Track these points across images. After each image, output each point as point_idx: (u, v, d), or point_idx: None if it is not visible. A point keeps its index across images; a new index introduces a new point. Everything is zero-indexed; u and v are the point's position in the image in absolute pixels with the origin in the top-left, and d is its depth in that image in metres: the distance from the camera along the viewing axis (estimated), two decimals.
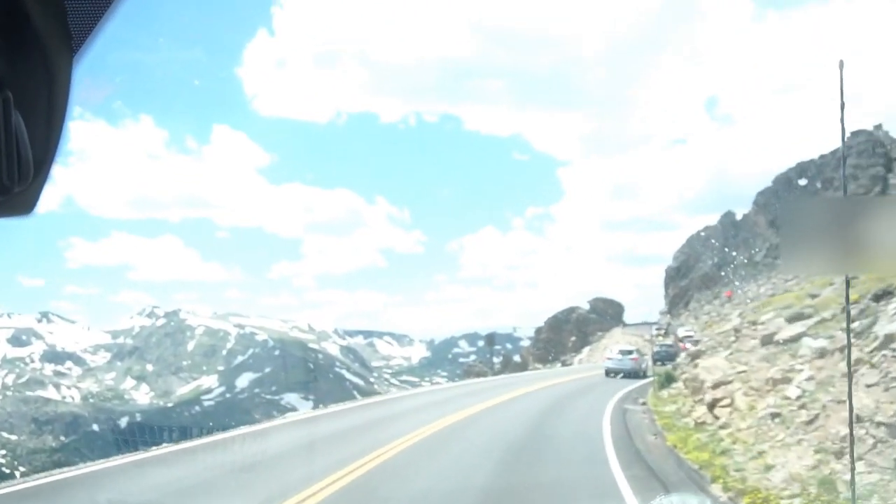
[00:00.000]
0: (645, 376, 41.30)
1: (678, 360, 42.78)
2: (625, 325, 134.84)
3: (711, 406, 16.37)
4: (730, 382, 16.47)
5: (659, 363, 52.26)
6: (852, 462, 8.65)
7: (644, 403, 25.31)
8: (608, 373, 41.87)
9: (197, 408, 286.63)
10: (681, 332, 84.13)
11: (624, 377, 40.74)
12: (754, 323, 25.79)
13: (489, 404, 25.27)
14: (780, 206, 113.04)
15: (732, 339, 26.74)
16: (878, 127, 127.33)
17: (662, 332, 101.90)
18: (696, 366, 23.72)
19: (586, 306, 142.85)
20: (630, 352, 43.08)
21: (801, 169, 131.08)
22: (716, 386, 16.87)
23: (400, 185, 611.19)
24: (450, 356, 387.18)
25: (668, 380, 28.46)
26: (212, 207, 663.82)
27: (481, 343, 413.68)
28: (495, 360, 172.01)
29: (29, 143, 1.08)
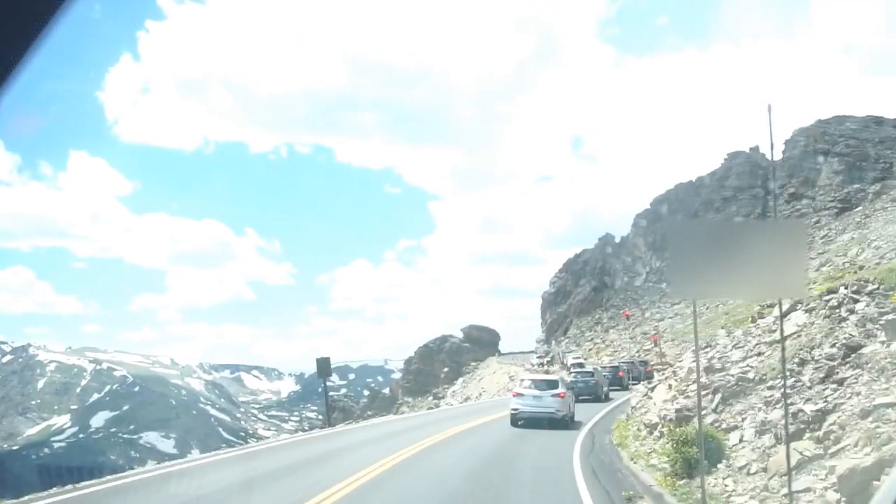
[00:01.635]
0: (573, 423, 24.60)
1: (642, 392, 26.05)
2: (500, 353, 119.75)
3: None
4: None
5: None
6: None
7: None
8: (516, 420, 24.71)
9: (46, 450, 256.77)
10: (570, 360, 69.55)
11: (525, 425, 24.42)
12: None
13: None
14: (668, 230, 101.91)
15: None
16: (755, 149, 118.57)
17: (547, 360, 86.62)
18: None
19: (460, 335, 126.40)
20: (553, 384, 25.50)
21: (680, 191, 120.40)
22: None
23: (270, 216, 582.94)
24: (320, 390, 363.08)
25: (714, 454, 11.17)
26: (68, 237, 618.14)
27: (352, 376, 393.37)
28: (366, 392, 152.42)
29: None
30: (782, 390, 11.61)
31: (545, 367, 78.88)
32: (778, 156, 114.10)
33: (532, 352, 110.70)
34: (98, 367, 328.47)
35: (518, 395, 25.41)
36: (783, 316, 15.83)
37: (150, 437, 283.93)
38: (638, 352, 78.71)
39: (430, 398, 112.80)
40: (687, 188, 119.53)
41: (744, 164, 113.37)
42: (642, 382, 51.73)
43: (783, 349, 9.85)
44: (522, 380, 27.07)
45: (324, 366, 31.59)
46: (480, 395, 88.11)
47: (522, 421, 24.52)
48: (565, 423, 24.64)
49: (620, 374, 45.11)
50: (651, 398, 22.09)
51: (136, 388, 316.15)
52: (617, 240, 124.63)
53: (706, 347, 20.29)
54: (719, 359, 17.11)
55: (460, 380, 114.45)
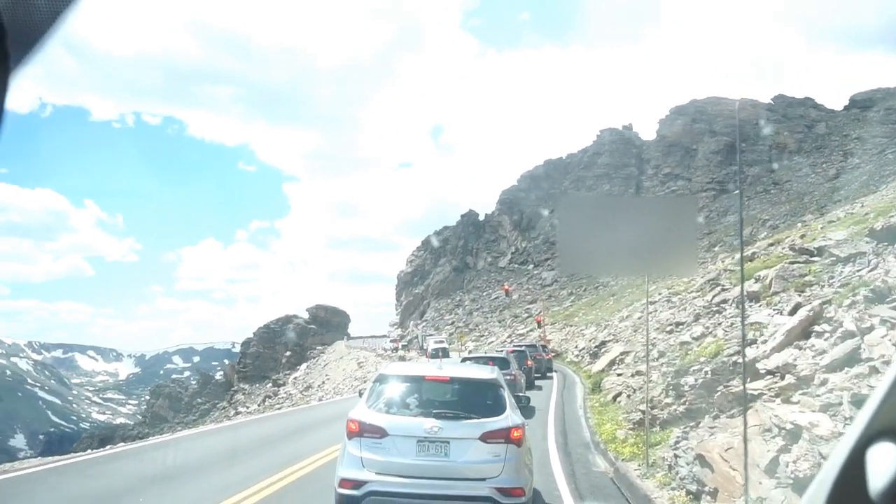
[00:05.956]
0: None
1: None
2: (349, 337, 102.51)
3: None
4: None
5: None
6: None
7: None
8: None
9: None
10: (431, 344, 53.56)
11: None
12: None
13: None
14: (557, 204, 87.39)
15: None
16: (629, 127, 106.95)
17: (403, 344, 69.98)
18: None
19: (305, 315, 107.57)
20: (487, 388, 7.47)
21: (549, 168, 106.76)
22: None
23: (114, 188, 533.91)
24: (162, 372, 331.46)
25: None
26: None
27: (197, 359, 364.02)
28: (193, 382, 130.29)
29: None
30: None
31: (401, 354, 62.07)
32: (652, 135, 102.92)
33: (385, 336, 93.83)
34: None
35: (367, 431, 7.25)
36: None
37: None
38: (510, 336, 63.31)
39: (269, 385, 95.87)
40: (556, 165, 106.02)
41: (617, 142, 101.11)
42: (552, 374, 35.83)
43: (743, 311, 8.69)
44: (383, 377, 8.01)
45: None
46: (324, 383, 71.98)
47: None
48: None
49: (529, 363, 28.33)
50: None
51: None
52: (481, 217, 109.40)
53: None
54: None
55: (304, 365, 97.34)
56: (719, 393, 10.22)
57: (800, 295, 14.73)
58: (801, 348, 9.43)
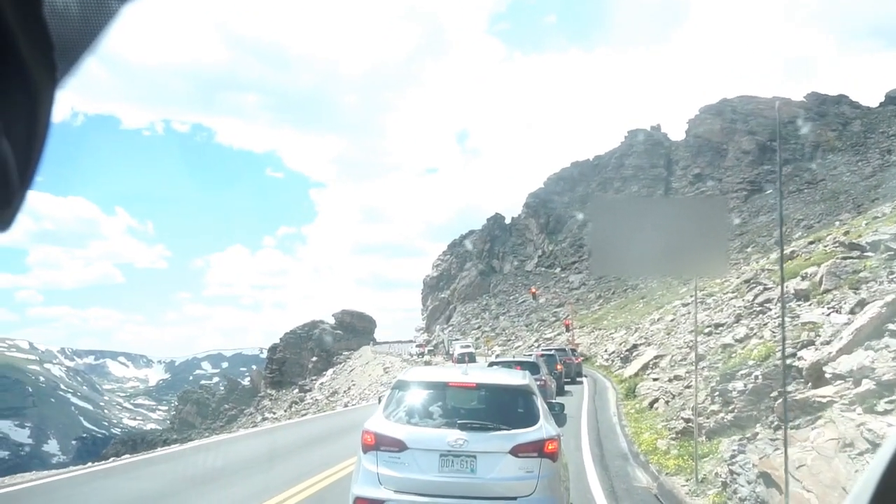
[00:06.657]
0: None
1: None
2: (375, 342, 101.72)
3: None
4: None
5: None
6: None
7: None
8: None
9: None
10: (457, 349, 52.37)
11: None
12: None
13: None
14: (589, 206, 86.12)
15: None
16: (657, 127, 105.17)
17: (429, 349, 69.00)
18: None
19: (331, 321, 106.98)
20: (516, 396, 6.54)
21: (576, 170, 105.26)
22: None
23: (143, 195, 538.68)
24: (191, 378, 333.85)
25: None
26: None
27: (226, 365, 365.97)
28: (221, 387, 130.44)
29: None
30: None
31: (427, 359, 61.06)
32: (681, 135, 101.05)
33: (411, 341, 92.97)
34: None
35: (384, 444, 6.35)
36: None
37: (2, 426, 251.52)
38: (537, 340, 62.05)
39: (296, 391, 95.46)
40: (584, 167, 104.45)
41: (645, 143, 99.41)
42: (581, 379, 34.48)
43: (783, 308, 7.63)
44: (402, 384, 6.99)
45: None
46: (350, 388, 71.47)
47: None
48: None
49: (559, 367, 27.13)
50: None
51: None
52: (507, 221, 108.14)
53: None
54: None
55: (330, 371, 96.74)
56: (779, 401, 9.07)
57: (855, 292, 13.55)
58: (874, 349, 8.28)
